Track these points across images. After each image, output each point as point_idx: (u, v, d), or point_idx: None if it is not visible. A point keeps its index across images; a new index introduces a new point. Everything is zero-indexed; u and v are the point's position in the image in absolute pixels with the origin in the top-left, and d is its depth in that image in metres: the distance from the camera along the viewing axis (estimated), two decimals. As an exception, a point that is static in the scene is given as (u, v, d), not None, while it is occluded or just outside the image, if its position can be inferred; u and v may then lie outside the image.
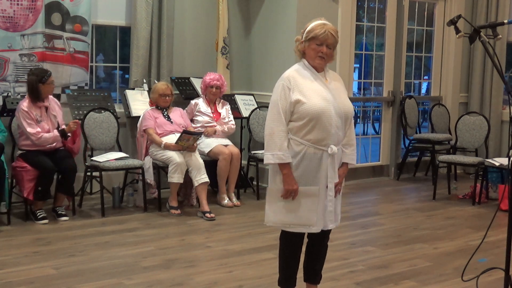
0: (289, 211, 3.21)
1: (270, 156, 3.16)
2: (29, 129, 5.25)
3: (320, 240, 3.40)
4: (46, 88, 5.34)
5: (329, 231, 3.38)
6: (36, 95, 5.31)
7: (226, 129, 6.31)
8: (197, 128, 6.18)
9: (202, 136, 6.07)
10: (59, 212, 5.46)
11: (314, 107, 3.10)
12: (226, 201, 6.14)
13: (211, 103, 6.33)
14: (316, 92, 3.15)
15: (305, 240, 3.41)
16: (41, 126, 5.33)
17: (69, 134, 5.47)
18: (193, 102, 6.33)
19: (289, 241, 3.31)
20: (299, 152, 3.16)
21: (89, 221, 5.46)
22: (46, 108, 5.40)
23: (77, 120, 5.58)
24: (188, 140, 5.71)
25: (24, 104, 5.28)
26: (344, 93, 3.30)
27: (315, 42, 3.16)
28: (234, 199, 6.17)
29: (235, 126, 6.45)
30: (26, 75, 5.51)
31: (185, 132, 5.70)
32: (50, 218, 5.39)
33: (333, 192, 3.24)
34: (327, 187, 3.22)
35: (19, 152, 5.42)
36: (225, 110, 6.39)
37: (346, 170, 3.34)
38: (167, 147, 5.74)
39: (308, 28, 3.20)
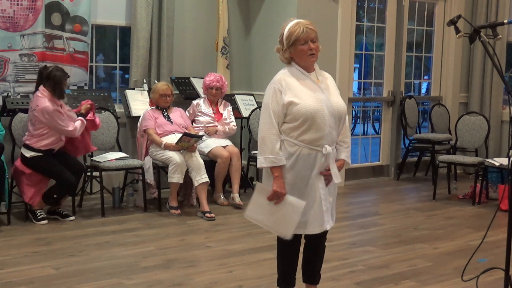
0: (271, 214, 3.19)
1: (262, 160, 3.16)
2: (64, 126, 5.23)
3: (317, 241, 3.38)
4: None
5: (326, 232, 3.37)
6: (61, 91, 5.28)
7: (227, 129, 6.31)
8: (198, 128, 6.18)
9: (202, 138, 6.05)
10: (64, 213, 5.46)
11: (308, 108, 3.10)
12: (221, 199, 6.15)
13: (213, 103, 6.34)
14: (308, 92, 3.15)
15: (302, 240, 3.41)
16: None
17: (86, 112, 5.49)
18: (195, 102, 6.34)
19: (286, 242, 3.30)
20: (293, 153, 3.15)
21: (89, 221, 5.46)
22: (61, 105, 5.38)
23: (88, 100, 5.57)
24: (188, 142, 5.71)
25: (49, 104, 5.16)
26: (336, 92, 3.27)
27: (299, 43, 3.15)
28: (237, 199, 6.14)
29: (236, 127, 6.45)
30: (33, 72, 5.46)
31: (186, 135, 5.70)
32: (51, 219, 5.39)
33: (326, 191, 3.22)
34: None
35: (32, 154, 5.25)
36: (227, 111, 6.40)
37: (342, 165, 3.31)
38: (167, 147, 5.74)
39: (286, 34, 3.17)
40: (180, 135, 5.72)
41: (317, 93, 3.16)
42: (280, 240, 3.34)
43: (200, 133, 6.10)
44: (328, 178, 3.23)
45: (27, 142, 5.27)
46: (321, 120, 3.11)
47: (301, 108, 3.10)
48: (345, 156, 3.31)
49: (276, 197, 3.16)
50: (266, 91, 3.23)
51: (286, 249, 3.32)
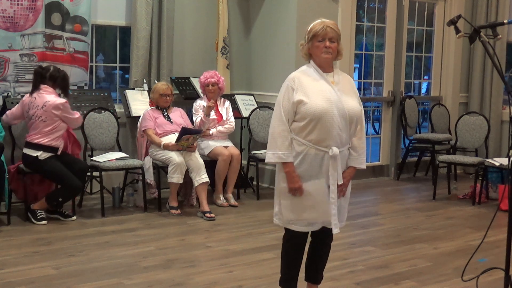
0: (307, 207, 3.20)
1: (271, 155, 3.20)
2: (74, 115, 5.36)
3: (323, 240, 3.39)
4: None
5: (332, 231, 3.37)
6: (68, 90, 5.50)
7: (223, 129, 6.27)
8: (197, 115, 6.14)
9: (201, 134, 6.02)
10: (66, 213, 5.45)
11: (315, 108, 3.10)
12: (221, 200, 6.15)
13: (212, 102, 6.31)
14: (319, 92, 3.15)
15: (308, 239, 3.41)
16: None
17: None
18: (196, 103, 6.28)
19: (293, 242, 3.30)
20: (300, 152, 3.16)
21: (89, 221, 5.46)
22: None
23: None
24: (187, 139, 5.71)
25: (60, 100, 5.25)
26: (352, 95, 3.26)
27: (316, 39, 3.18)
28: (232, 200, 6.16)
29: (233, 124, 6.38)
30: (34, 72, 5.43)
31: (184, 132, 5.69)
32: (50, 219, 5.39)
33: (335, 194, 3.22)
34: (328, 187, 3.20)
35: (40, 153, 5.21)
36: (225, 110, 6.38)
37: (352, 173, 3.31)
38: (166, 147, 5.74)
39: (308, 29, 3.23)
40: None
41: (328, 94, 3.15)
42: (286, 241, 3.33)
43: (199, 118, 6.07)
44: (341, 190, 3.26)
45: (36, 141, 5.21)
46: (328, 121, 3.11)
47: (309, 107, 3.11)
48: (356, 163, 3.29)
49: (294, 193, 3.18)
50: (281, 87, 3.25)
51: (292, 249, 3.32)
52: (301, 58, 3.35)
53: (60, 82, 5.37)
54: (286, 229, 3.31)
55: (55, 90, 5.35)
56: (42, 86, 5.29)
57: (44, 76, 5.32)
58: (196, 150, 5.89)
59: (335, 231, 3.28)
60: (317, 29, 3.17)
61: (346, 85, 3.26)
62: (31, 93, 5.33)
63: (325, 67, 3.23)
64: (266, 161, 3.27)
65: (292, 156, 3.16)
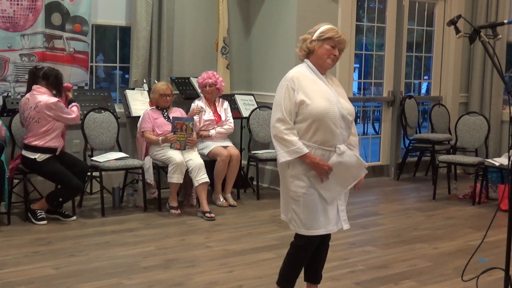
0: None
1: (285, 154, 3.12)
2: (68, 114, 5.32)
3: (323, 239, 3.39)
4: None
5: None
6: (61, 89, 5.42)
7: (223, 129, 6.27)
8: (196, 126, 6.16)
9: (194, 120, 5.96)
10: (66, 213, 5.45)
11: (318, 108, 3.11)
12: (220, 201, 6.14)
13: (211, 103, 6.31)
14: (320, 93, 3.16)
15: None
16: None
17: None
18: (194, 104, 6.28)
19: (307, 247, 3.27)
20: None
21: (89, 221, 5.46)
22: None
23: (67, 84, 5.62)
24: (181, 128, 5.70)
25: (50, 98, 5.22)
26: (345, 96, 3.30)
27: (329, 43, 3.19)
28: (231, 199, 6.17)
29: (233, 124, 6.38)
30: (28, 72, 5.43)
31: (175, 119, 5.70)
32: (50, 219, 5.39)
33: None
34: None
35: (39, 155, 5.21)
36: (224, 110, 6.37)
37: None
38: (165, 140, 5.74)
39: (322, 29, 3.22)
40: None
41: (327, 94, 3.17)
42: (298, 245, 3.28)
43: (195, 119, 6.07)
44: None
45: (33, 143, 5.20)
46: (331, 121, 3.12)
47: (311, 109, 3.11)
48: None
49: (327, 174, 3.14)
50: (278, 88, 3.22)
51: (303, 253, 3.29)
52: (301, 58, 3.34)
53: (53, 81, 5.31)
54: (299, 234, 3.24)
55: (49, 90, 5.30)
56: (35, 86, 5.27)
57: (38, 75, 5.30)
58: (196, 150, 5.90)
59: (345, 226, 3.30)
60: (333, 35, 3.19)
61: (338, 88, 3.31)
62: (25, 94, 5.33)
63: (322, 69, 3.25)
64: (281, 161, 3.17)
65: (305, 148, 3.10)
